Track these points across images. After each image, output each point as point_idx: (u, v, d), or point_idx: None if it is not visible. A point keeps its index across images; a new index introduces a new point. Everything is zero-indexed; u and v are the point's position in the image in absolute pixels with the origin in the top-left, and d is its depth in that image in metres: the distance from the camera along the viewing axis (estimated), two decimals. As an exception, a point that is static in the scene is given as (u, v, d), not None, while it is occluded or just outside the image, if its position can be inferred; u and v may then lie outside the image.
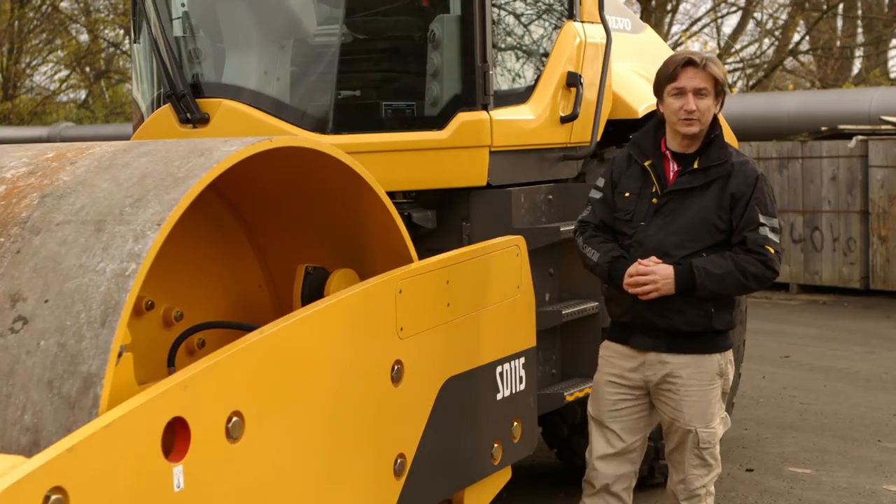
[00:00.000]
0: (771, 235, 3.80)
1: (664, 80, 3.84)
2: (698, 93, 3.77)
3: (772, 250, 3.80)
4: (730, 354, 3.94)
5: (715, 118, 3.86)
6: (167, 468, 2.69)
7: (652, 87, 3.92)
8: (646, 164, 3.87)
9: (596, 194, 4.00)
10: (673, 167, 3.86)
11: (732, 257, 3.76)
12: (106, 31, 30.58)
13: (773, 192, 3.95)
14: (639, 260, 3.75)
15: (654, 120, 3.97)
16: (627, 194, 3.88)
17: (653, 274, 3.72)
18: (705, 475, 3.90)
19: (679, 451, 3.90)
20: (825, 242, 12.50)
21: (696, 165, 3.82)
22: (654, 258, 3.74)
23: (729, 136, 6.78)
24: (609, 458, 3.93)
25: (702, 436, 3.84)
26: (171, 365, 3.70)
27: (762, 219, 3.79)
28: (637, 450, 3.96)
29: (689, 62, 3.79)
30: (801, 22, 23.65)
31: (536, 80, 5.04)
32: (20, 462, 2.43)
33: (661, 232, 3.79)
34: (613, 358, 3.95)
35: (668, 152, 3.87)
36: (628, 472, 3.96)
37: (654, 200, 3.82)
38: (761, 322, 10.11)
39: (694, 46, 24.66)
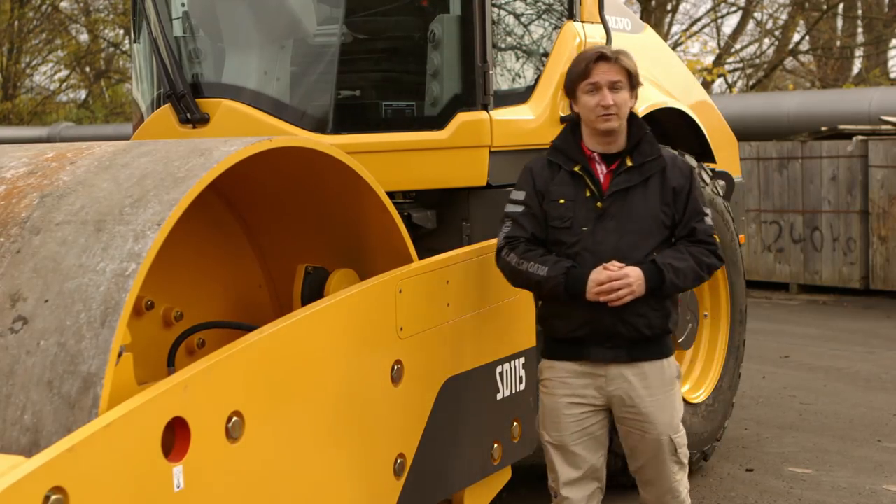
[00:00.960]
0: (712, 225, 3.79)
1: (577, 77, 3.70)
2: (613, 86, 3.66)
3: (717, 239, 3.78)
4: (675, 359, 3.84)
5: (636, 117, 3.77)
6: (167, 468, 2.69)
7: (564, 87, 3.82)
8: (575, 168, 3.71)
9: (517, 208, 3.76)
10: (601, 169, 3.72)
11: (687, 250, 3.68)
12: (106, 31, 30.60)
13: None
14: (603, 265, 3.58)
15: (569, 123, 3.85)
16: (562, 201, 3.70)
17: (626, 277, 3.55)
18: (684, 476, 3.82)
19: (655, 463, 3.75)
20: (825, 242, 12.49)
21: (629, 163, 3.71)
22: (615, 262, 3.58)
23: (729, 136, 6.81)
24: (576, 482, 3.76)
25: (677, 441, 3.74)
26: (171, 365, 3.70)
27: (705, 209, 3.76)
28: (602, 465, 3.81)
29: (601, 57, 3.68)
30: (801, 22, 23.65)
31: (536, 80, 5.04)
32: (20, 462, 2.43)
33: (614, 235, 3.64)
34: (565, 378, 3.73)
35: (593, 154, 3.74)
36: (595, 490, 3.81)
37: (599, 204, 3.66)
38: (761, 322, 10.11)
39: (694, 46, 24.75)
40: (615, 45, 5.33)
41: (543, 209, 3.72)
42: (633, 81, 3.70)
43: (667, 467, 3.75)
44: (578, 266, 3.62)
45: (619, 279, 3.56)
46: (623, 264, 3.58)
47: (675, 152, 3.80)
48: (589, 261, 3.62)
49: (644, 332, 3.65)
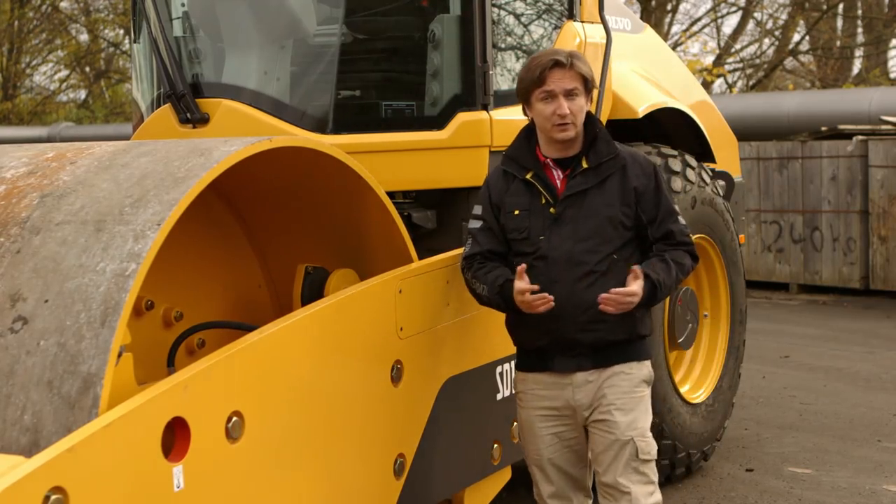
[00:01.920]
0: (686, 225, 3.65)
1: (530, 84, 3.55)
2: (569, 94, 3.51)
3: (692, 238, 3.66)
4: (649, 364, 3.68)
5: (591, 116, 3.61)
6: (167, 468, 2.69)
7: (516, 92, 3.66)
8: (527, 176, 3.59)
9: (475, 223, 3.69)
10: (558, 174, 3.59)
11: (671, 257, 3.55)
12: (106, 31, 30.60)
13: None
14: (622, 289, 3.42)
15: (524, 129, 3.71)
16: (517, 212, 3.59)
17: (634, 295, 3.42)
18: (649, 495, 3.54)
19: (614, 467, 3.52)
20: (825, 242, 12.49)
21: (585, 164, 3.56)
22: (637, 273, 3.45)
23: (729, 136, 6.81)
24: (559, 495, 3.66)
25: (640, 445, 3.53)
26: (171, 365, 3.70)
27: (676, 208, 3.63)
28: (586, 475, 3.70)
29: (556, 63, 3.51)
30: (801, 22, 23.65)
31: (536, 80, 5.03)
32: (20, 462, 2.43)
33: (568, 241, 3.51)
34: (536, 390, 3.63)
35: (547, 160, 3.60)
36: (582, 500, 3.70)
37: (552, 210, 3.53)
38: (761, 322, 10.11)
39: (694, 46, 24.76)
40: (615, 45, 5.37)
41: (500, 222, 3.62)
42: (588, 86, 3.56)
43: (624, 474, 3.51)
44: (512, 278, 3.49)
45: (630, 295, 3.42)
46: (636, 285, 3.42)
47: (635, 150, 3.68)
48: (544, 268, 3.51)
49: (608, 339, 3.53)
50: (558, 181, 3.59)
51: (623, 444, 3.53)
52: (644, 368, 3.64)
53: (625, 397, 3.56)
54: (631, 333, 3.58)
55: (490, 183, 3.71)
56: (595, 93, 3.81)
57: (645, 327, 3.64)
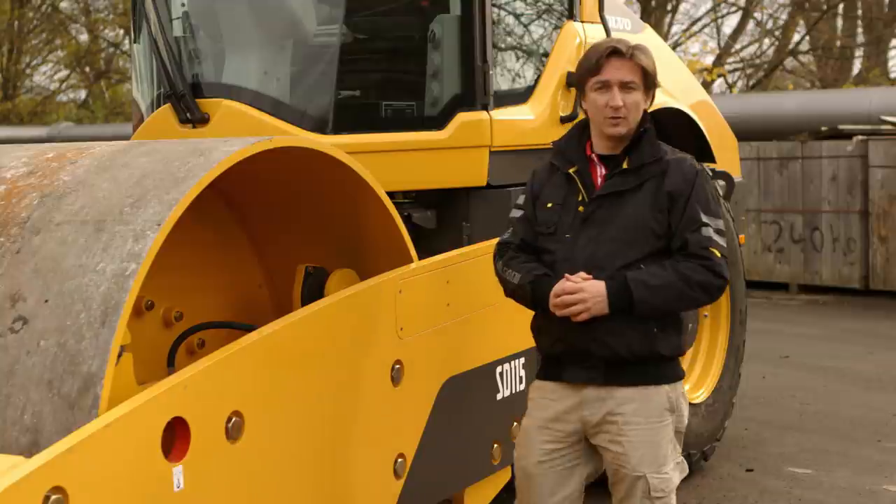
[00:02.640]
0: (716, 237, 3.29)
1: (586, 72, 3.34)
2: (625, 87, 3.30)
3: (718, 253, 3.27)
4: (681, 387, 3.39)
5: (645, 113, 3.39)
6: (167, 468, 2.69)
7: (572, 80, 3.49)
8: (570, 170, 3.39)
9: (516, 213, 3.52)
10: (600, 171, 3.38)
11: (673, 265, 3.24)
12: (106, 31, 30.60)
13: (717, 192, 3.45)
14: (566, 276, 3.24)
15: (580, 122, 3.51)
16: (550, 205, 3.40)
17: (581, 292, 3.20)
18: None
19: (628, 502, 3.32)
20: (825, 242, 12.49)
21: (625, 165, 3.33)
22: (582, 274, 3.24)
23: (729, 136, 6.81)
24: None
25: (653, 483, 3.26)
26: (171, 365, 3.70)
27: (705, 218, 3.29)
28: (574, 499, 3.43)
29: (614, 51, 3.31)
30: (801, 22, 23.66)
31: (536, 80, 5.04)
32: (20, 462, 2.43)
33: (592, 243, 3.29)
34: (545, 400, 3.41)
35: (594, 156, 3.40)
36: None
37: (581, 209, 3.33)
38: (761, 322, 10.11)
39: (694, 46, 24.75)
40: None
41: (536, 213, 3.46)
42: (648, 81, 3.34)
43: None
44: (553, 275, 3.31)
45: (574, 293, 3.22)
46: (589, 277, 3.23)
47: (686, 156, 3.43)
48: (562, 270, 3.29)
49: (621, 355, 3.26)
50: (599, 179, 3.38)
51: (634, 480, 3.28)
52: (665, 394, 3.32)
53: (638, 428, 3.27)
54: (651, 352, 3.28)
55: (536, 173, 3.54)
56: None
57: (669, 347, 3.31)
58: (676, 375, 3.38)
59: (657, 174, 3.33)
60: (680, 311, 3.34)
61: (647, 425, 3.29)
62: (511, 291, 3.46)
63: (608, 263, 3.26)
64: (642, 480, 3.27)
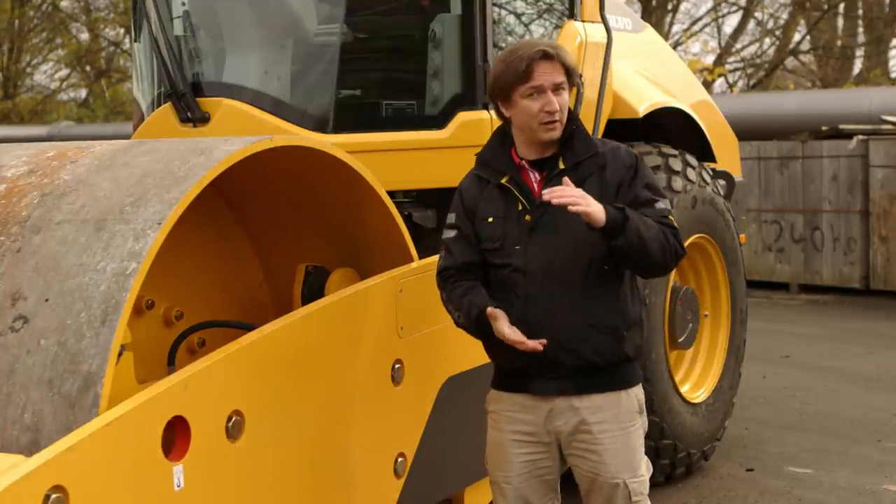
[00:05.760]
0: (669, 210, 3.23)
1: (515, 80, 3.18)
2: (557, 89, 3.17)
3: (676, 224, 3.22)
4: (640, 388, 3.33)
5: (569, 112, 3.26)
6: (167, 467, 2.69)
7: (492, 90, 3.32)
8: (503, 180, 3.25)
9: (450, 233, 3.35)
10: (535, 177, 3.25)
11: (647, 219, 3.14)
12: (106, 30, 30.61)
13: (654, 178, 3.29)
14: (550, 189, 3.04)
15: (498, 130, 3.37)
16: (491, 219, 3.25)
17: (572, 195, 3.00)
18: None
19: None
20: (825, 242, 12.49)
21: (562, 165, 3.22)
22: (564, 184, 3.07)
23: (730, 136, 6.81)
24: None
25: (632, 487, 3.21)
26: (172, 364, 3.70)
27: (655, 196, 3.22)
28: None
29: (545, 55, 3.16)
30: (802, 21, 23.67)
31: (537, 80, 5.03)
32: (20, 461, 2.43)
33: (547, 251, 3.17)
34: (512, 412, 3.28)
35: (524, 162, 3.27)
36: None
37: (528, 218, 3.19)
38: (761, 322, 10.11)
39: (695, 46, 24.76)
40: (616, 44, 5.36)
41: (475, 230, 3.29)
42: (572, 80, 3.23)
43: None
44: (490, 304, 3.17)
45: (566, 195, 3.00)
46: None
47: (618, 144, 3.33)
48: (520, 283, 3.18)
49: (593, 360, 3.18)
50: (535, 185, 3.24)
51: (614, 487, 3.22)
52: (634, 397, 3.29)
53: (613, 434, 3.22)
54: (619, 356, 3.22)
55: (463, 189, 3.37)
56: (576, 87, 3.49)
57: (633, 348, 3.27)
58: (640, 377, 3.34)
59: (596, 168, 3.23)
60: (651, 261, 3.15)
61: (620, 431, 3.24)
62: (461, 327, 3.33)
63: (569, 270, 3.17)
64: (622, 487, 3.22)
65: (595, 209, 3.02)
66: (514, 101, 3.22)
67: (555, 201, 3.01)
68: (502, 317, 3.15)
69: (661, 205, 3.23)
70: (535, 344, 3.10)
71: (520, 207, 3.23)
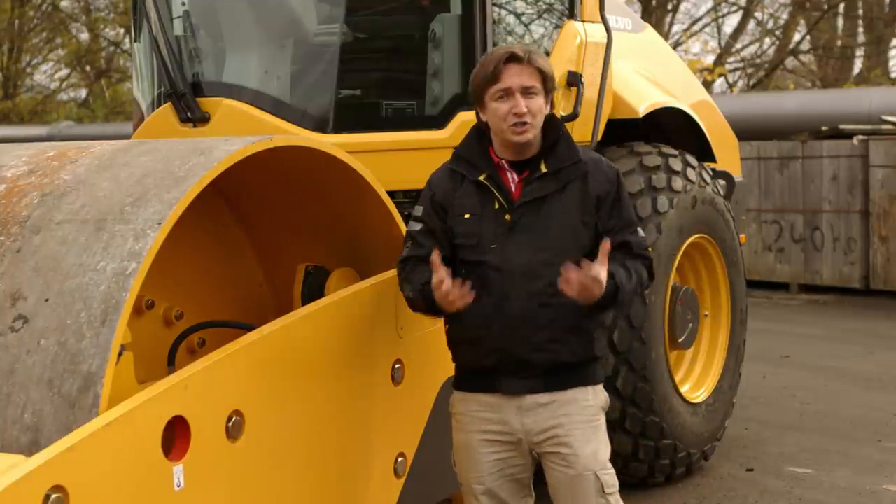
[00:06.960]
0: (645, 238, 3.35)
1: (484, 82, 3.23)
2: (527, 92, 3.18)
3: (651, 251, 3.29)
4: (602, 387, 3.37)
5: (553, 117, 3.31)
6: (167, 467, 2.69)
7: (470, 93, 3.34)
8: (481, 178, 3.26)
9: (416, 226, 3.34)
10: (513, 177, 3.26)
11: (631, 266, 3.23)
12: (106, 30, 30.62)
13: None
14: (583, 264, 3.07)
15: (474, 129, 3.38)
16: (467, 216, 3.25)
17: (598, 281, 3.06)
18: None
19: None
20: (825, 242, 12.49)
21: (544, 168, 3.24)
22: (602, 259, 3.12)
23: (730, 136, 6.81)
24: None
25: (604, 479, 3.24)
26: (172, 364, 3.70)
27: (634, 222, 3.32)
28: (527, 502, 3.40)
29: (512, 57, 3.19)
30: (802, 21, 23.67)
31: (537, 80, 5.03)
32: (20, 461, 2.43)
33: (525, 252, 3.18)
34: (480, 412, 3.28)
35: (502, 161, 3.28)
36: None
37: (508, 217, 3.21)
38: (761, 322, 10.11)
39: (695, 46, 24.77)
40: (616, 44, 5.36)
41: (448, 225, 3.29)
42: (548, 85, 3.24)
43: None
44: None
45: (596, 279, 3.06)
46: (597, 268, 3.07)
47: (599, 156, 3.38)
48: (497, 280, 3.19)
49: (565, 360, 3.23)
50: (513, 185, 3.26)
51: (585, 480, 3.23)
52: (600, 394, 3.33)
53: (583, 427, 3.25)
54: (587, 355, 3.28)
55: (433, 183, 3.37)
56: (556, 94, 3.50)
57: (600, 348, 3.36)
58: (602, 376, 3.40)
59: (578, 176, 3.26)
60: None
61: (587, 425, 3.27)
62: (412, 304, 3.34)
63: (546, 271, 3.17)
64: (593, 479, 3.24)
65: (600, 293, 3.08)
66: (485, 103, 3.26)
67: (567, 290, 3.06)
68: (443, 268, 3.13)
69: (642, 234, 3.34)
70: (466, 292, 3.11)
71: (496, 206, 3.24)
